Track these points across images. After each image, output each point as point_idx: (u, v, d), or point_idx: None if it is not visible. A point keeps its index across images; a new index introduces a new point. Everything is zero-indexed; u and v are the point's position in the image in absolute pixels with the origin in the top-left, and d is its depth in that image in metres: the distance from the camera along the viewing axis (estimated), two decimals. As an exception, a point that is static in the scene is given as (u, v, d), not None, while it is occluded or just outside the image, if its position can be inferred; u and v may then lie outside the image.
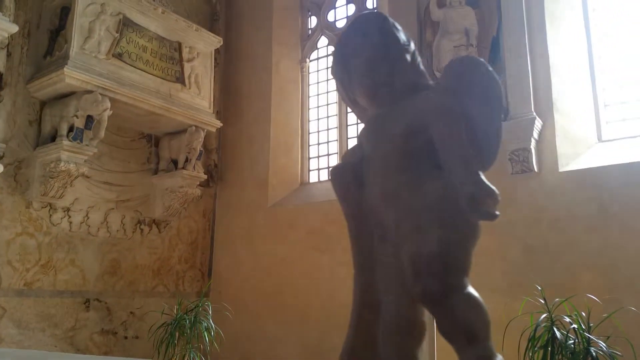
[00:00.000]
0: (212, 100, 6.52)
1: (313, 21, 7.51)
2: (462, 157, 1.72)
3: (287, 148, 7.10)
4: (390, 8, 6.19)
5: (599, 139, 4.95)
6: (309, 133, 7.23)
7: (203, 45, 6.51)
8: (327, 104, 7.15)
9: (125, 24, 5.48)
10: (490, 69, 1.90)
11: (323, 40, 7.35)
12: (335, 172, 2.09)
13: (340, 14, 7.26)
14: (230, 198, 7.17)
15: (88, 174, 5.50)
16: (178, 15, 6.22)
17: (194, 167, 6.28)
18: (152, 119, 5.89)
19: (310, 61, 7.43)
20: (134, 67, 5.50)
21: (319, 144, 7.11)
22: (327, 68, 7.27)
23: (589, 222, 4.54)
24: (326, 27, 7.32)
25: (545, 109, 4.85)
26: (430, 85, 2.03)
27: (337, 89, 2.13)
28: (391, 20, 2.02)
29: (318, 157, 7.08)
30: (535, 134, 4.80)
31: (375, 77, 1.96)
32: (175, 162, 6.28)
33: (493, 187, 1.67)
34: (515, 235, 4.83)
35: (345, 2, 7.21)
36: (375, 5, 6.85)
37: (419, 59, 2.05)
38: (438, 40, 5.49)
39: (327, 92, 7.18)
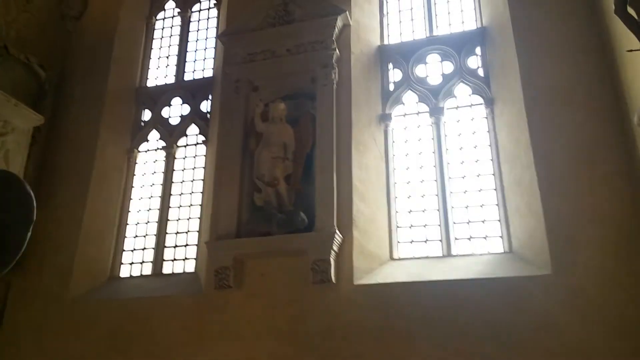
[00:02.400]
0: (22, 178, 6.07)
1: (147, 114, 7.53)
2: None
3: (100, 237, 6.75)
4: (220, 116, 6.49)
5: (391, 257, 5.46)
6: (126, 224, 6.98)
7: (21, 121, 6.19)
8: (151, 197, 7.04)
9: None
10: (27, 187, 2.29)
11: (154, 134, 7.37)
12: None
13: (175, 112, 7.41)
14: (25, 287, 6.50)
15: None
16: (-3, 88, 5.89)
17: (-16, 249, 5.67)
18: (-59, 192, 5.31)
19: (139, 152, 7.36)
20: None
21: (135, 236, 6.88)
22: (155, 161, 7.25)
23: (376, 335, 4.86)
24: (159, 122, 7.37)
25: (346, 225, 5.28)
26: None
27: None
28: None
29: (133, 250, 6.82)
30: (335, 247, 5.16)
31: None
32: (-38, 243, 5.62)
33: None
34: (311, 345, 5.00)
35: (180, 102, 7.39)
36: (208, 110, 7.11)
37: None
38: (259, 150, 5.80)
39: (152, 185, 7.10)
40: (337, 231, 5.17)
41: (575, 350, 4.33)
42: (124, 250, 6.83)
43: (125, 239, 6.89)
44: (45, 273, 6.45)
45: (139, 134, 7.39)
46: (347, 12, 6.25)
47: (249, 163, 5.95)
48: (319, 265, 5.08)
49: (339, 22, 6.18)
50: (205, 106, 7.18)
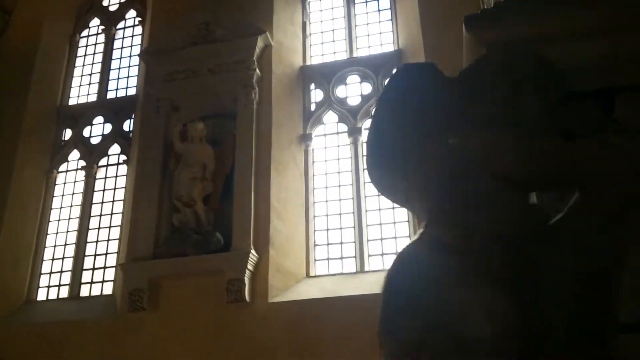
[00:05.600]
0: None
1: (68, 133, 7.37)
2: None
3: (16, 260, 6.52)
4: (141, 135, 6.43)
5: (308, 275, 5.53)
6: (44, 247, 6.78)
7: None
8: (69, 218, 6.87)
9: None
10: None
11: (75, 154, 7.21)
12: None
13: (97, 131, 7.28)
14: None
15: None
16: None
17: None
18: None
19: (59, 172, 7.18)
20: None
21: (53, 259, 6.69)
22: (75, 182, 7.09)
23: (292, 351, 4.90)
24: (80, 141, 7.22)
25: (263, 244, 5.32)
26: None
27: None
28: None
29: (50, 273, 6.62)
30: (251, 266, 5.19)
31: None
32: None
33: None
34: (228, 365, 4.98)
35: (102, 121, 7.27)
36: (130, 129, 7.02)
37: None
38: (179, 171, 5.79)
39: (71, 206, 6.93)
40: (252, 250, 5.21)
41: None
42: (42, 274, 6.63)
43: (43, 261, 6.69)
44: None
45: (59, 154, 7.20)
46: (268, 33, 6.34)
47: (168, 184, 5.91)
48: (233, 284, 5.10)
49: (260, 43, 6.27)
50: (127, 125, 7.10)
